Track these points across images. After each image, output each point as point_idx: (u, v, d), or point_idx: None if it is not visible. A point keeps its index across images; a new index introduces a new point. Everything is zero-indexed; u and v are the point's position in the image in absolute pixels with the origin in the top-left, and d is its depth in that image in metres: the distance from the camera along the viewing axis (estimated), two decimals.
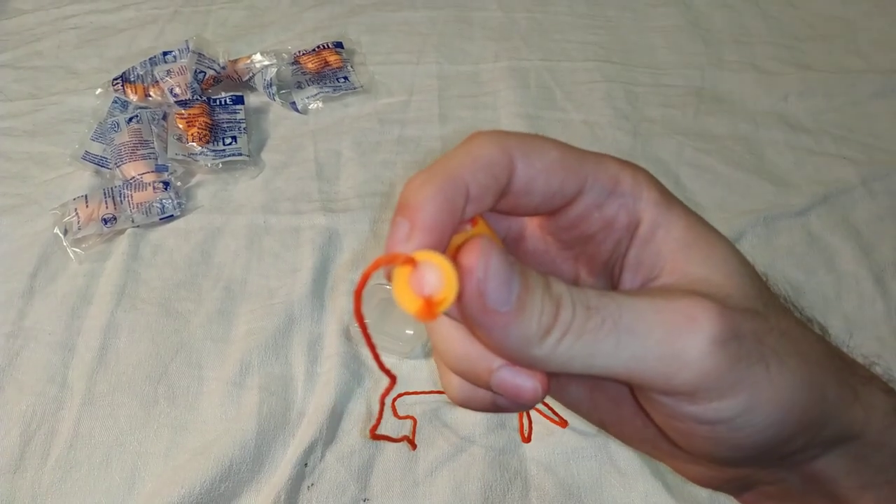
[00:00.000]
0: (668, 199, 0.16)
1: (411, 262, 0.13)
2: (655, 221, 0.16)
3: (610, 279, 0.17)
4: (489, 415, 0.38)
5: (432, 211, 0.14)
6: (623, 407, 0.17)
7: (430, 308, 0.13)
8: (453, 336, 0.15)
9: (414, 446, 0.36)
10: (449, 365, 0.15)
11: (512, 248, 0.18)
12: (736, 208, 0.49)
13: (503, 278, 0.13)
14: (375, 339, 0.15)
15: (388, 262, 0.13)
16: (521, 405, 0.16)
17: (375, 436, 0.34)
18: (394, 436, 0.36)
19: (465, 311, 0.13)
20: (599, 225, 0.16)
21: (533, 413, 0.36)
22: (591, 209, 0.16)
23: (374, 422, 0.36)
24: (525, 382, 0.15)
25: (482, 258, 0.13)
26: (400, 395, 0.37)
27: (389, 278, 0.13)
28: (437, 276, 0.13)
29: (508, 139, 0.15)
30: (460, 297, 0.13)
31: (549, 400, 0.21)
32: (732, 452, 0.15)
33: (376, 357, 0.15)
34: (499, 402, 0.16)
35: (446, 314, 0.15)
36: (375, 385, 0.39)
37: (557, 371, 0.14)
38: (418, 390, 0.38)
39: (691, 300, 0.14)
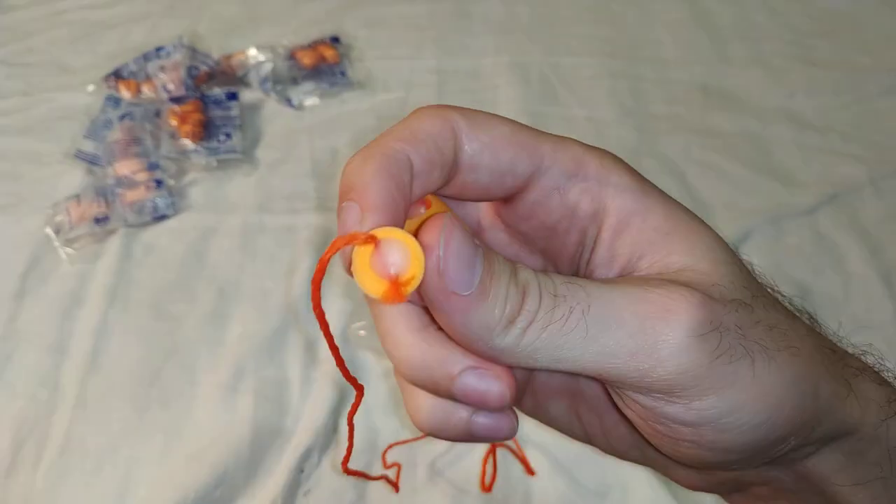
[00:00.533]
0: (643, 184, 0.15)
1: (372, 240, 0.12)
2: (629, 209, 0.14)
3: (581, 276, 0.16)
4: None
5: (379, 189, 0.13)
6: (606, 417, 0.16)
7: (396, 289, 0.12)
8: (409, 342, 0.14)
9: (397, 489, 0.34)
10: (407, 375, 0.14)
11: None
12: (743, 207, 0.48)
13: (465, 259, 0.12)
14: (371, 343, 0.14)
15: (347, 242, 0.12)
16: (503, 431, 0.14)
17: (348, 470, 0.21)
18: (371, 472, 0.34)
19: (425, 294, 0.12)
20: (560, 213, 0.15)
21: (501, 453, 0.35)
22: (548, 193, 0.15)
23: (345, 452, 0.29)
24: (490, 386, 0.13)
25: (443, 235, 0.12)
26: (390, 447, 0.35)
27: (349, 264, 0.12)
28: (402, 253, 0.12)
29: (451, 112, 0.14)
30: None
31: (523, 438, 0.20)
32: (720, 456, 0.13)
33: (340, 363, 0.13)
34: (474, 429, 0.14)
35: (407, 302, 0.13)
36: (373, 390, 0.38)
37: (523, 366, 0.13)
38: (409, 438, 0.36)
39: (669, 289, 0.13)
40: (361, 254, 0.12)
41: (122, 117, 0.51)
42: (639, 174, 0.15)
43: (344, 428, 0.37)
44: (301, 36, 0.59)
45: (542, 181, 0.15)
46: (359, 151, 0.14)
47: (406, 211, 0.13)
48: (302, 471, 0.36)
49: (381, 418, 0.37)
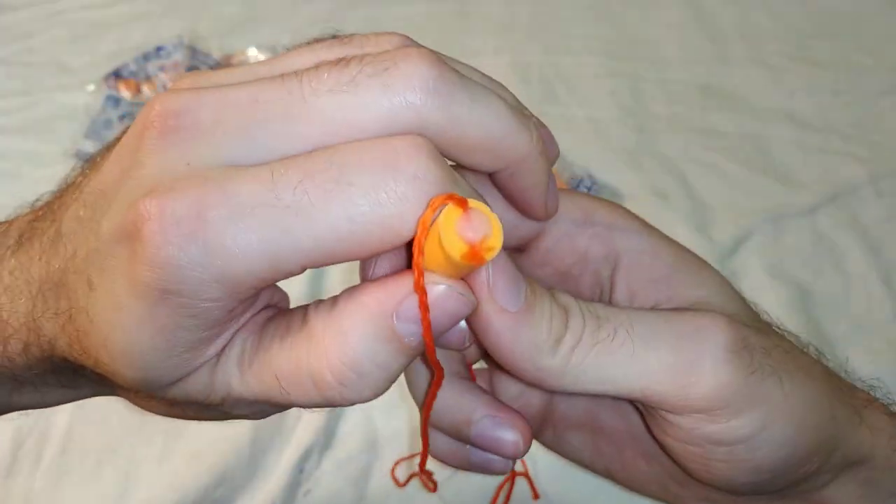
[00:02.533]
0: (648, 227, 0.16)
1: (463, 204, 0.11)
2: (639, 249, 0.15)
3: None
4: None
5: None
6: (626, 451, 0.17)
7: (476, 253, 0.11)
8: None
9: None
10: (431, 417, 0.15)
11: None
12: (743, 207, 0.48)
13: (510, 276, 0.13)
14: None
15: (444, 201, 0.11)
16: (496, 467, 0.15)
17: (426, 471, 0.20)
18: (371, 473, 0.34)
19: (476, 315, 0.13)
20: (573, 258, 0.16)
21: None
22: (560, 240, 0.16)
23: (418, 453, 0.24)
24: (506, 435, 0.14)
25: (493, 268, 0.13)
26: (398, 463, 0.34)
27: (421, 233, 0.11)
28: (487, 223, 0.12)
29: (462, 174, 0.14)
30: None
31: (532, 457, 0.20)
32: (751, 476, 0.14)
33: (430, 342, 0.12)
34: (472, 460, 0.15)
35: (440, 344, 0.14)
36: None
37: (568, 390, 0.13)
38: (415, 453, 0.35)
39: (699, 312, 0.14)
40: (450, 214, 0.11)
41: (122, 117, 0.51)
42: (643, 219, 0.16)
43: (344, 428, 0.37)
44: (301, 36, 0.59)
45: (552, 230, 0.16)
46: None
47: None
48: (302, 471, 0.36)
49: (381, 418, 0.38)
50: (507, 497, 0.33)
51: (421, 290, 0.12)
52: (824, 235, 0.47)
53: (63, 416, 0.38)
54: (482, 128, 0.12)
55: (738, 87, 0.57)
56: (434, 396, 0.15)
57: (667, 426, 0.14)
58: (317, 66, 0.12)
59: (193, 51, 0.55)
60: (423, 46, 0.13)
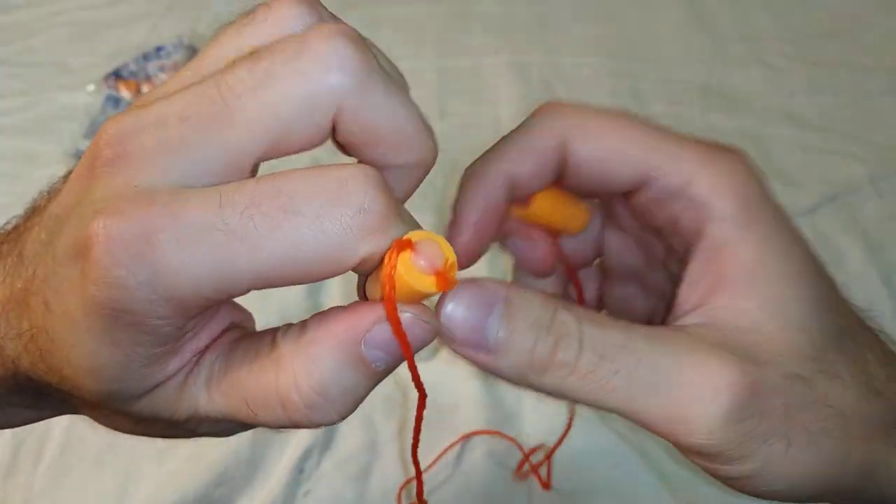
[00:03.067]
0: (749, 214, 0.14)
1: (409, 244, 0.12)
2: (724, 238, 0.14)
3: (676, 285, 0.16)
4: (489, 422, 0.37)
5: (473, 212, 0.15)
6: None
7: (444, 278, 0.12)
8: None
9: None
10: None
11: (605, 207, 0.18)
12: None
13: (472, 324, 0.13)
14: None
15: (399, 250, 0.12)
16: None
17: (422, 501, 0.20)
18: (370, 476, 0.34)
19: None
20: (665, 221, 0.16)
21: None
22: (653, 204, 0.15)
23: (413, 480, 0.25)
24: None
25: (448, 307, 0.13)
26: (402, 487, 0.34)
27: (388, 276, 0.12)
28: (437, 248, 0.12)
29: (567, 121, 0.15)
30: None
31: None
32: (773, 496, 0.14)
33: (413, 367, 0.13)
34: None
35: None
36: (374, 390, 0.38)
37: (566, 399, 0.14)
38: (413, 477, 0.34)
39: (721, 365, 0.13)
40: (405, 258, 0.12)
41: None
42: (753, 198, 0.14)
43: (344, 428, 0.37)
44: None
45: (646, 192, 0.15)
46: (475, 163, 0.16)
47: (499, 221, 0.15)
48: (302, 471, 0.36)
49: (381, 418, 0.38)
50: (549, 467, 0.33)
51: (396, 322, 0.12)
52: (824, 235, 0.47)
53: (63, 416, 0.38)
54: (394, 120, 0.12)
55: (738, 87, 0.56)
56: (421, 418, 0.15)
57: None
58: (232, 65, 0.12)
59: (193, 51, 0.55)
60: (339, 20, 0.13)
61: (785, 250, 0.14)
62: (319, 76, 0.11)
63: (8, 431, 0.37)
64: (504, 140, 0.16)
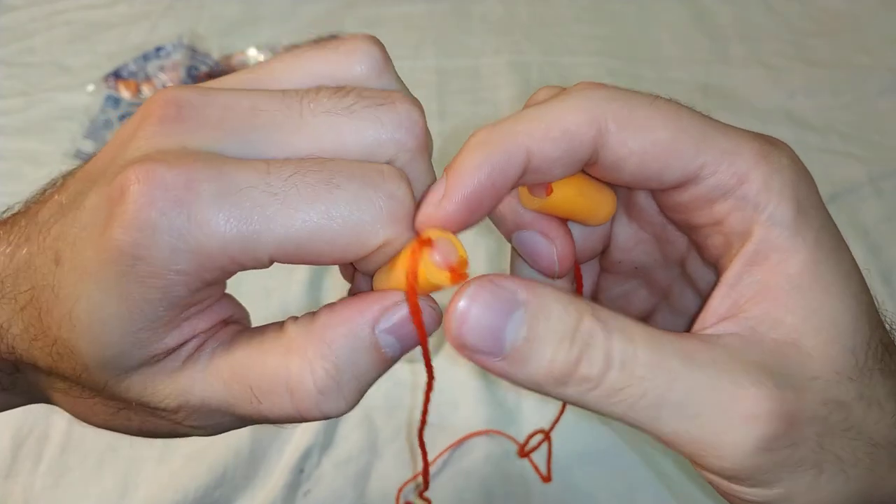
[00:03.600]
0: (801, 220, 0.13)
1: (429, 242, 0.13)
2: (773, 244, 0.13)
3: (714, 274, 0.15)
4: (490, 422, 0.37)
5: (470, 183, 0.13)
6: None
7: (458, 273, 0.13)
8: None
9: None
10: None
11: (623, 197, 0.16)
12: None
13: (487, 328, 0.12)
14: None
15: (422, 246, 0.13)
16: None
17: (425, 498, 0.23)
18: (370, 478, 0.34)
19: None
20: (707, 220, 0.14)
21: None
22: (699, 202, 0.14)
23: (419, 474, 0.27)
24: (543, 248, 0.15)
25: (461, 304, 0.12)
26: (401, 490, 0.34)
27: (412, 268, 0.13)
28: (451, 245, 0.13)
29: (606, 105, 0.13)
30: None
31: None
32: None
33: (426, 349, 0.14)
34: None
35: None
36: (373, 391, 0.38)
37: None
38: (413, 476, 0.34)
39: (758, 391, 0.12)
40: (426, 255, 0.13)
41: (122, 117, 0.51)
42: (806, 204, 0.13)
43: (344, 428, 0.37)
44: (301, 36, 0.59)
45: (693, 189, 0.14)
46: (486, 129, 0.14)
47: (497, 201, 0.13)
48: (302, 471, 0.35)
49: (381, 418, 0.37)
50: (549, 453, 0.33)
51: (416, 309, 0.13)
52: None
53: (63, 416, 0.38)
54: (421, 188, 0.14)
55: (738, 87, 0.56)
56: (429, 399, 0.15)
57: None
58: (318, 90, 0.13)
59: (193, 51, 0.55)
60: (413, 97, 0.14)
61: (834, 260, 0.13)
62: (391, 130, 0.13)
63: (8, 431, 0.37)
64: (529, 111, 0.13)
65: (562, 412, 0.24)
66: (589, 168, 0.14)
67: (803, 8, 0.64)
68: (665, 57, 0.59)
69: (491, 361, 0.12)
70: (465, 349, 0.12)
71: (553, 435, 0.36)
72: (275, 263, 0.13)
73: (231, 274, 0.13)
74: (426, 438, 0.17)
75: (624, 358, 0.12)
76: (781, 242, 0.13)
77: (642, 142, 0.13)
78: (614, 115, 0.13)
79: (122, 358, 0.13)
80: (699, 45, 0.60)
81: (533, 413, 0.37)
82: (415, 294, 0.13)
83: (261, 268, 0.13)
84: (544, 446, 0.36)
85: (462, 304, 0.12)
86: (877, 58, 0.59)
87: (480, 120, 0.56)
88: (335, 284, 0.43)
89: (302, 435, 0.36)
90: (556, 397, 0.13)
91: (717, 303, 0.14)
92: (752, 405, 0.12)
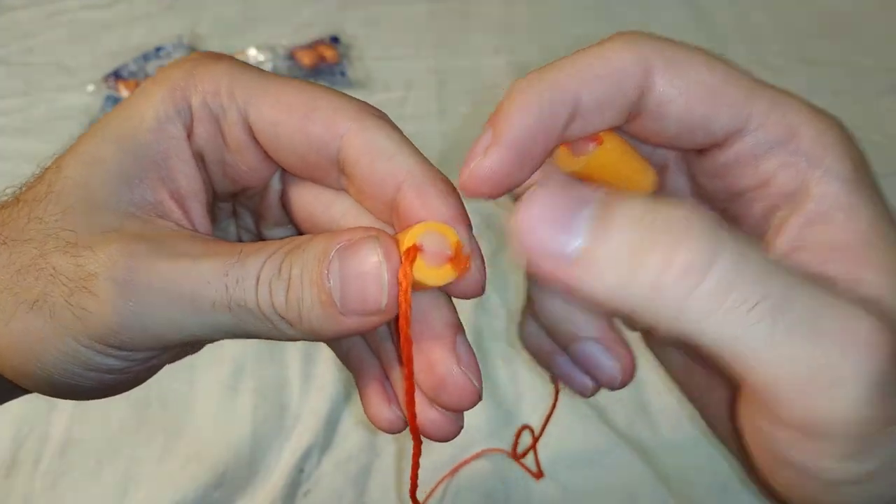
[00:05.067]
0: (861, 175, 0.12)
1: (415, 249, 0.12)
2: (834, 201, 0.12)
3: None
4: (489, 421, 0.37)
5: (519, 125, 0.12)
6: (715, 392, 0.15)
7: (459, 260, 0.12)
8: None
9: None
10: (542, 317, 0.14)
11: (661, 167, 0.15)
12: None
13: (551, 224, 0.10)
14: None
15: (409, 259, 0.12)
16: (579, 386, 0.15)
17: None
18: (369, 479, 0.34)
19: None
20: (753, 182, 0.13)
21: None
22: (745, 159, 0.13)
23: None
24: (607, 362, 0.14)
25: (524, 207, 0.10)
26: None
27: (406, 274, 0.12)
28: (438, 236, 0.12)
29: (649, 46, 0.12)
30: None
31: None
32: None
33: (411, 406, 0.13)
34: (560, 368, 0.15)
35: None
36: None
37: (678, 337, 0.10)
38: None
39: (875, 319, 0.10)
40: (419, 260, 0.12)
41: None
42: (862, 161, 0.12)
43: (344, 428, 0.37)
44: (301, 36, 0.59)
45: (740, 144, 0.13)
46: (529, 74, 0.13)
47: (547, 150, 0.12)
48: (302, 471, 0.36)
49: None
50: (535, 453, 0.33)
51: (409, 360, 0.13)
52: None
53: (63, 416, 0.38)
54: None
55: None
56: (418, 465, 0.15)
57: (765, 437, 0.11)
58: None
59: (193, 51, 0.55)
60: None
61: (892, 219, 0.12)
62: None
63: (8, 431, 0.37)
64: (572, 58, 0.12)
65: (553, 408, 0.23)
66: (632, 122, 0.13)
67: (803, 8, 0.64)
68: None
69: (560, 269, 0.10)
70: (531, 255, 0.10)
71: (551, 435, 0.36)
72: None
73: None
74: (426, 454, 0.17)
75: (736, 251, 0.09)
76: (844, 199, 0.12)
77: (689, 81, 0.12)
78: (662, 53, 0.12)
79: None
80: (699, 45, 0.60)
81: (533, 412, 0.37)
82: (407, 321, 0.12)
83: None
84: (542, 445, 0.36)
85: (525, 206, 0.10)
86: (877, 59, 0.59)
87: (480, 120, 0.56)
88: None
89: (302, 435, 0.36)
90: (637, 319, 0.10)
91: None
92: (871, 331, 0.10)
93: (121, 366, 0.14)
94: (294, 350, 0.40)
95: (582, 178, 0.14)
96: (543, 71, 0.13)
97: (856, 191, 0.12)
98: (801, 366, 0.10)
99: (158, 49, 0.56)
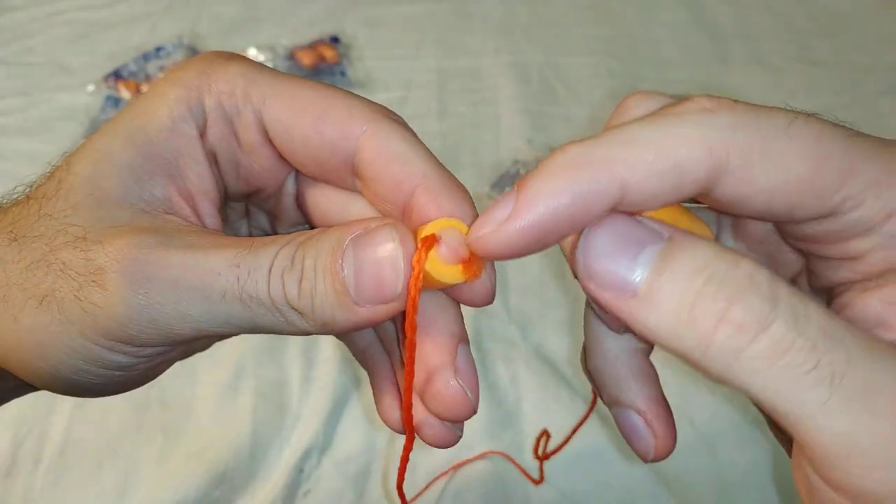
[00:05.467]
0: None
1: (433, 239, 0.12)
2: None
3: (822, 298, 0.13)
4: (489, 421, 0.37)
5: (546, 209, 0.10)
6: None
7: (471, 266, 0.12)
8: None
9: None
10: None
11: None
12: None
13: (615, 256, 0.10)
14: None
15: (426, 247, 0.12)
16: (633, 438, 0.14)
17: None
18: (369, 480, 0.34)
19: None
20: (840, 254, 0.12)
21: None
22: (833, 238, 0.11)
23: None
24: (642, 438, 0.13)
25: (591, 230, 0.10)
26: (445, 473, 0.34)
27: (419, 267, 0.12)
28: (459, 235, 0.12)
29: (731, 134, 0.10)
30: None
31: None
32: None
33: (408, 405, 0.13)
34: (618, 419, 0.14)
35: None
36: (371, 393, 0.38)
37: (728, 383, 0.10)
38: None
39: None
40: (431, 256, 0.12)
41: None
42: None
43: (344, 428, 0.37)
44: (301, 36, 0.59)
45: (829, 223, 0.11)
46: (577, 146, 0.11)
47: (570, 227, 0.11)
48: (302, 471, 0.35)
49: (381, 419, 0.37)
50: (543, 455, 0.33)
51: (410, 373, 0.13)
52: None
53: (63, 417, 0.38)
54: None
55: (738, 87, 0.56)
56: (407, 459, 0.15)
57: (811, 473, 0.10)
58: None
59: (193, 51, 0.55)
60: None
61: None
62: None
63: (8, 431, 0.37)
64: (629, 132, 0.11)
65: (585, 417, 0.23)
66: (698, 198, 0.12)
67: (803, 8, 0.64)
68: (665, 57, 0.59)
69: (620, 299, 0.10)
70: (592, 281, 0.10)
71: (553, 436, 0.36)
72: None
73: None
74: (426, 455, 0.17)
75: (796, 311, 0.09)
76: None
77: (775, 180, 0.10)
78: (740, 148, 0.10)
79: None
80: (699, 45, 0.60)
81: (532, 412, 0.37)
82: (414, 328, 0.12)
83: None
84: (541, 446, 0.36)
85: (593, 230, 0.10)
86: (876, 58, 0.59)
87: (480, 119, 0.56)
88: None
89: (302, 435, 0.36)
90: (695, 364, 0.10)
91: (879, 320, 0.11)
92: None
93: (129, 362, 0.14)
94: (294, 351, 0.40)
95: None
96: (593, 148, 0.11)
97: None
98: (855, 438, 0.09)
99: (158, 49, 0.56)
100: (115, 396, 0.43)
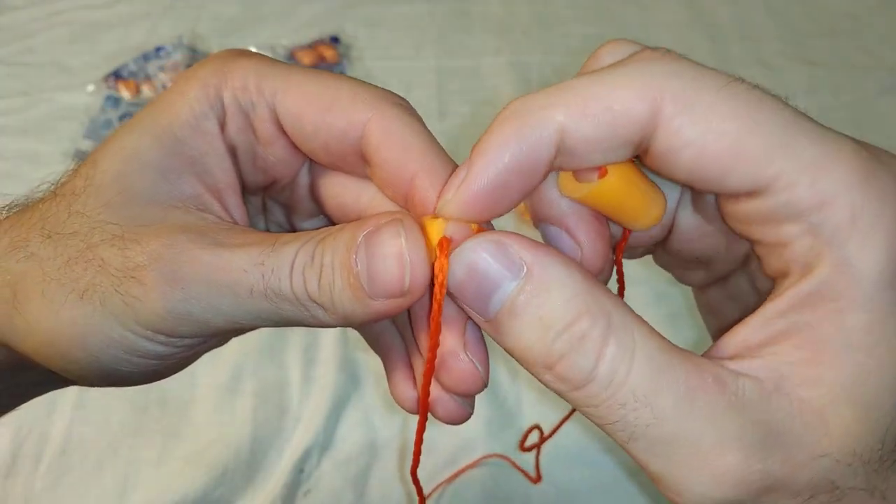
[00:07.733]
0: (888, 274, 0.09)
1: (447, 242, 0.13)
2: (836, 289, 0.10)
3: (772, 285, 0.12)
4: (489, 421, 0.37)
5: (494, 164, 0.11)
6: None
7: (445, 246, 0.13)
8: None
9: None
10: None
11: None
12: None
13: (478, 285, 0.12)
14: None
15: (441, 252, 0.13)
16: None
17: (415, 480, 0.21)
18: (369, 479, 0.34)
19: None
20: (769, 239, 0.11)
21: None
22: (764, 218, 0.11)
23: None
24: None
25: (461, 251, 0.12)
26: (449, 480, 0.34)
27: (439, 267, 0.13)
28: (465, 229, 0.13)
29: (666, 81, 0.10)
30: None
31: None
32: None
33: (422, 424, 0.14)
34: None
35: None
36: (372, 390, 0.38)
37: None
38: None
39: (739, 459, 0.10)
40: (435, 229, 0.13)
41: (122, 117, 0.51)
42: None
43: (344, 429, 0.37)
44: (301, 36, 0.59)
45: (759, 202, 0.11)
46: (520, 99, 0.11)
47: (529, 185, 0.12)
48: (302, 471, 0.35)
49: (380, 419, 0.37)
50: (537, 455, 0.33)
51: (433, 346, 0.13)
52: None
53: (63, 417, 0.38)
54: None
55: None
56: (421, 441, 0.15)
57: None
58: None
59: (193, 51, 0.55)
60: None
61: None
62: None
63: (8, 431, 0.37)
64: (571, 82, 0.11)
65: (569, 415, 0.23)
66: (641, 157, 0.12)
67: (803, 8, 0.64)
68: None
69: (478, 319, 0.12)
70: (456, 297, 0.12)
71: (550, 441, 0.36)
72: None
73: None
74: (427, 455, 0.17)
75: (612, 378, 0.11)
76: (849, 291, 0.10)
77: (702, 132, 0.10)
78: (673, 94, 0.10)
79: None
80: (699, 45, 0.60)
81: (533, 411, 0.37)
82: (439, 306, 0.13)
83: None
84: (541, 449, 0.35)
85: (462, 251, 0.12)
86: (876, 58, 0.59)
87: (480, 119, 0.56)
88: None
89: (302, 435, 0.36)
90: (543, 383, 0.12)
91: (751, 331, 0.11)
92: (727, 470, 0.10)
93: (166, 352, 0.15)
94: (294, 351, 0.40)
95: (588, 204, 0.14)
96: (530, 99, 0.11)
97: (876, 293, 0.10)
98: (653, 471, 0.12)
99: (158, 49, 0.56)
100: (116, 397, 0.43)
